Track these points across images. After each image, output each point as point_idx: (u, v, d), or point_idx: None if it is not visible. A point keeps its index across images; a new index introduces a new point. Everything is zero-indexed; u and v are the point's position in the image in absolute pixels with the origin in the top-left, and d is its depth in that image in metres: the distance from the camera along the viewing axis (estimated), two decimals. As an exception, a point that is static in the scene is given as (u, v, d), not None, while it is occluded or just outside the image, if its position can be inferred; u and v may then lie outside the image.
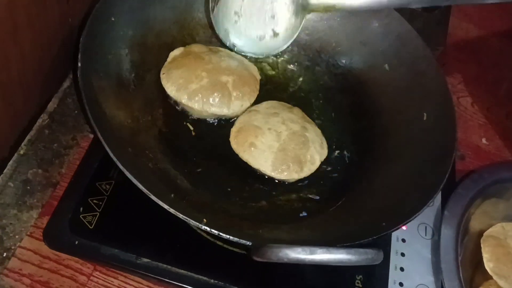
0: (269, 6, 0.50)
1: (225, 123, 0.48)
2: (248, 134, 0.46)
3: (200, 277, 0.41)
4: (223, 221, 0.39)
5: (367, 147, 0.49)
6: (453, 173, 0.52)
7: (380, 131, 0.50)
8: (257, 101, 0.50)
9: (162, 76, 0.47)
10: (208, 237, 0.43)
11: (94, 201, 0.43)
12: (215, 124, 0.48)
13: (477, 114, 0.64)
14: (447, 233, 0.46)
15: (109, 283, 0.43)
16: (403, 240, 0.48)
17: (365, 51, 0.52)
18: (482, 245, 0.49)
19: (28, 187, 0.45)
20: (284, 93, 0.53)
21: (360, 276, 0.44)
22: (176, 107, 0.48)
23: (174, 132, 0.47)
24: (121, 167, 0.35)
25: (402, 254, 0.47)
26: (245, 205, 0.44)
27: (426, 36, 0.50)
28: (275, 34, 0.50)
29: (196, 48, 0.50)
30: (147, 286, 0.43)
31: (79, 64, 0.39)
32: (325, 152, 0.47)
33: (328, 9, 0.49)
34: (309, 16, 0.53)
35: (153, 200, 0.34)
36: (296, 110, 0.50)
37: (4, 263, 0.42)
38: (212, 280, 0.41)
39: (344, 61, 0.54)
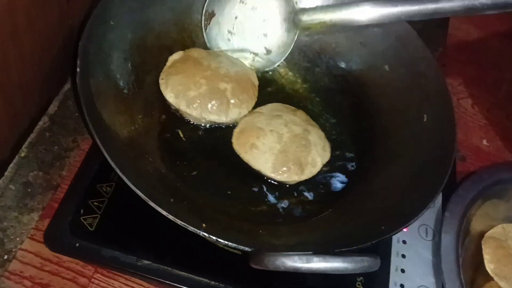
0: (261, 24, 0.51)
1: (225, 126, 0.48)
2: (250, 135, 0.46)
3: (201, 279, 0.41)
4: (222, 225, 0.39)
5: (367, 148, 0.49)
6: (454, 174, 0.52)
7: (380, 132, 0.50)
8: (257, 104, 0.50)
9: (161, 81, 0.47)
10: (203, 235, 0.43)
11: (95, 203, 0.43)
12: (216, 127, 0.49)
13: (478, 115, 0.64)
14: (448, 235, 0.46)
15: (110, 285, 0.43)
16: (404, 242, 0.48)
17: (365, 52, 0.52)
18: (483, 247, 0.49)
19: (29, 190, 0.45)
20: (284, 94, 0.53)
21: (361, 278, 0.44)
22: (176, 112, 0.48)
23: (174, 135, 0.47)
24: (119, 173, 0.35)
25: (403, 256, 0.47)
26: (245, 208, 0.44)
27: (426, 37, 0.50)
28: (268, 52, 0.51)
29: (195, 53, 0.50)
30: (148, 288, 0.43)
31: (78, 70, 0.39)
32: (327, 155, 0.47)
33: (319, 25, 0.49)
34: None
35: (152, 203, 0.34)
36: (300, 112, 0.50)
37: (5, 266, 0.42)
38: (212, 282, 0.41)
39: (344, 62, 0.54)
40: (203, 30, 0.51)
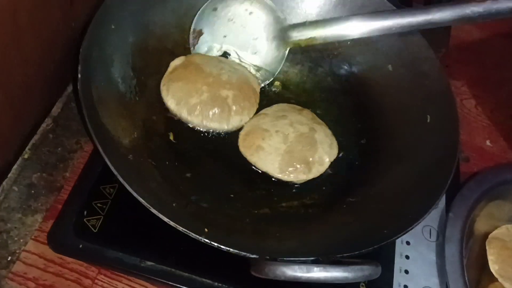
0: (251, 42, 0.51)
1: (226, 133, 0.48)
2: (256, 137, 0.46)
3: (204, 280, 0.41)
4: (224, 229, 0.39)
5: (370, 149, 0.49)
6: (457, 175, 0.52)
7: (383, 133, 0.50)
8: (262, 105, 0.50)
9: (162, 88, 0.47)
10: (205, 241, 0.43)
11: (98, 204, 0.43)
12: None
13: (481, 116, 0.63)
14: (452, 235, 0.46)
15: (114, 286, 0.43)
16: (408, 243, 0.47)
17: (368, 52, 0.52)
18: (487, 247, 0.48)
19: (33, 191, 0.45)
20: (287, 94, 0.53)
21: (365, 279, 0.44)
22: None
23: (177, 138, 0.47)
24: (121, 179, 0.35)
25: (407, 257, 0.47)
26: (248, 211, 0.43)
27: (429, 37, 0.50)
28: (259, 69, 0.51)
29: (197, 58, 0.49)
30: (151, 289, 0.43)
31: (79, 76, 0.38)
32: (334, 152, 0.47)
33: (309, 41, 0.49)
34: (311, 16, 0.54)
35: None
36: (306, 112, 0.50)
37: (9, 267, 0.42)
38: (216, 283, 0.41)
39: (347, 62, 0.54)
40: (191, 49, 0.51)
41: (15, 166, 0.46)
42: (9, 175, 0.45)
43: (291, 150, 0.45)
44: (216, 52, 0.51)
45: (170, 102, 0.46)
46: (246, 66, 0.51)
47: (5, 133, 0.43)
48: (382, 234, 0.37)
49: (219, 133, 0.48)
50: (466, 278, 0.44)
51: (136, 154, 0.41)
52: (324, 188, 0.46)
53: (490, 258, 0.48)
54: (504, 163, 0.59)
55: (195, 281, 0.41)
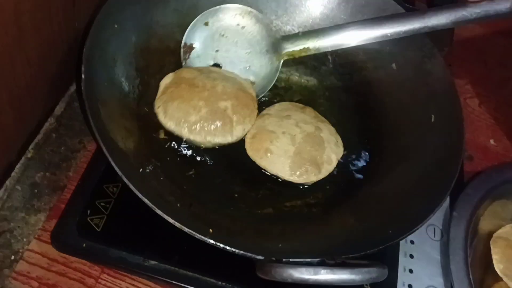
0: (244, 56, 0.51)
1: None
2: (263, 139, 0.46)
3: (208, 279, 0.41)
4: (228, 230, 0.39)
5: (373, 148, 0.49)
6: (461, 174, 0.51)
7: (386, 132, 0.50)
8: (266, 103, 0.50)
9: (157, 110, 0.45)
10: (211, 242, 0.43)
11: (102, 203, 0.43)
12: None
13: (485, 115, 0.63)
14: (456, 235, 0.46)
15: (117, 285, 0.43)
16: (412, 242, 0.47)
17: (372, 50, 0.52)
18: (491, 247, 0.48)
19: (36, 191, 0.45)
20: (290, 93, 0.53)
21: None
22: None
23: (180, 139, 0.46)
24: (125, 180, 0.35)
25: (411, 256, 0.46)
26: (251, 211, 0.43)
27: (432, 36, 0.49)
28: (252, 83, 0.50)
29: (187, 73, 0.48)
30: (155, 288, 0.43)
31: (83, 76, 0.38)
32: (341, 150, 0.47)
33: (303, 52, 0.49)
34: (315, 15, 0.53)
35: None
36: (309, 110, 0.49)
37: (12, 266, 0.42)
38: (220, 282, 0.41)
39: (350, 61, 0.54)
40: (182, 63, 0.50)
41: (18, 165, 0.46)
42: (12, 174, 0.45)
43: (300, 152, 0.45)
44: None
45: (169, 124, 0.45)
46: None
47: (9, 132, 0.43)
48: (386, 234, 0.37)
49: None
50: (471, 277, 0.44)
51: (139, 153, 0.41)
52: (327, 187, 0.46)
53: (495, 257, 0.47)
54: (508, 161, 0.59)
55: (198, 280, 0.41)
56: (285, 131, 0.46)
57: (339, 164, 0.47)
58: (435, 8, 0.45)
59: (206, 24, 0.50)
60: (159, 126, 0.46)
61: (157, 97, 0.46)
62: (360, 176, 0.47)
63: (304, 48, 0.49)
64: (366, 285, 0.44)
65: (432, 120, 0.47)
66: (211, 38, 0.50)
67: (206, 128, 0.45)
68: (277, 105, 0.50)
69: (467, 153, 0.58)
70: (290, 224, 0.43)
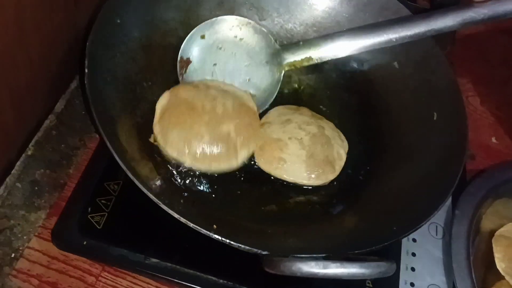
0: (243, 69, 0.49)
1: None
2: (273, 149, 0.45)
3: (209, 277, 0.41)
4: (231, 226, 0.39)
5: (375, 147, 0.49)
6: (464, 172, 0.51)
7: (388, 131, 0.49)
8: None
9: (157, 136, 0.43)
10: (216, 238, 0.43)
11: (102, 201, 0.43)
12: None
13: (487, 113, 0.63)
14: (458, 233, 0.46)
15: (118, 283, 0.42)
16: (414, 240, 0.47)
17: (373, 48, 0.52)
18: (493, 245, 0.48)
19: (36, 188, 0.45)
20: (291, 92, 0.53)
21: (371, 276, 0.44)
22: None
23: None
24: (131, 176, 0.35)
25: (413, 254, 0.46)
26: (255, 209, 0.43)
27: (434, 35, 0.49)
28: (252, 96, 0.49)
29: (183, 92, 0.45)
30: (156, 286, 0.43)
31: (86, 70, 0.38)
32: (346, 144, 0.47)
33: (305, 61, 0.48)
34: (317, 12, 0.53)
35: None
36: (304, 110, 0.49)
37: (13, 264, 0.41)
38: (221, 280, 0.41)
39: (352, 59, 0.53)
40: (179, 78, 0.48)
41: (18, 163, 0.45)
42: (13, 171, 0.45)
43: (312, 154, 0.45)
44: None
45: (171, 152, 0.43)
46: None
47: (9, 130, 0.42)
48: (391, 231, 0.37)
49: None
50: (473, 276, 0.44)
51: (142, 149, 0.41)
52: (331, 185, 0.46)
53: (497, 256, 0.47)
54: (510, 160, 0.59)
55: (200, 278, 0.41)
56: (291, 136, 0.46)
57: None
58: (440, 10, 0.44)
59: (203, 37, 0.48)
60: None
61: (155, 121, 0.44)
62: (362, 174, 0.47)
63: (306, 57, 0.48)
64: (368, 283, 0.44)
65: (435, 118, 0.46)
66: (208, 51, 0.49)
67: (209, 156, 0.43)
68: (272, 111, 0.49)
69: (469, 152, 0.58)
70: (293, 221, 0.43)
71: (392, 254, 0.46)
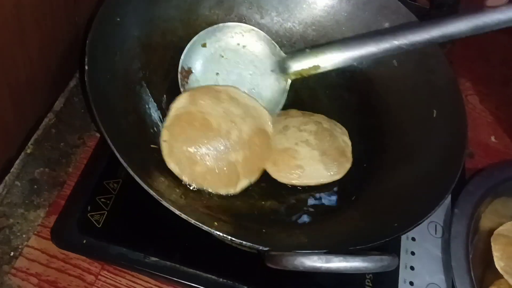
0: (247, 79, 0.47)
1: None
2: (287, 160, 0.45)
3: (209, 276, 0.41)
4: (233, 224, 0.39)
5: (375, 146, 0.49)
6: (463, 171, 0.51)
7: (388, 129, 0.49)
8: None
9: (162, 144, 0.42)
10: (217, 236, 0.43)
11: (102, 200, 0.43)
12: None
13: (486, 112, 0.63)
14: (457, 232, 0.46)
15: (117, 282, 0.42)
16: (413, 239, 0.47)
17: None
18: (492, 244, 0.48)
19: (35, 186, 0.45)
20: (291, 92, 0.52)
21: (370, 275, 0.44)
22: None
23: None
24: (132, 173, 0.34)
25: (412, 253, 0.46)
26: (255, 205, 0.43)
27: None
28: None
29: (202, 99, 0.43)
30: (155, 285, 0.43)
31: (86, 68, 0.38)
32: (345, 130, 0.48)
33: (311, 70, 0.46)
34: (316, 11, 0.53)
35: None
36: (292, 111, 0.49)
37: (12, 263, 0.41)
38: (221, 279, 0.41)
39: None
40: (181, 89, 0.46)
41: (17, 161, 0.45)
42: (12, 170, 0.45)
43: (324, 151, 0.45)
44: None
45: (172, 166, 0.42)
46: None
47: (9, 128, 0.42)
48: (391, 228, 0.37)
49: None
50: (472, 274, 0.44)
51: (142, 146, 0.41)
52: (331, 183, 0.46)
53: (495, 254, 0.48)
54: (509, 159, 0.59)
55: (199, 277, 0.41)
56: (296, 141, 0.46)
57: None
58: (452, 16, 0.42)
59: (204, 45, 0.47)
60: (162, 120, 0.46)
61: (166, 124, 0.43)
62: (363, 173, 0.47)
63: (313, 66, 0.46)
64: (368, 281, 0.44)
65: (434, 115, 0.46)
66: (210, 60, 0.47)
67: (209, 181, 0.42)
68: None
69: (468, 151, 0.58)
70: (294, 218, 0.43)
71: (391, 252, 0.45)
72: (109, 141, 0.35)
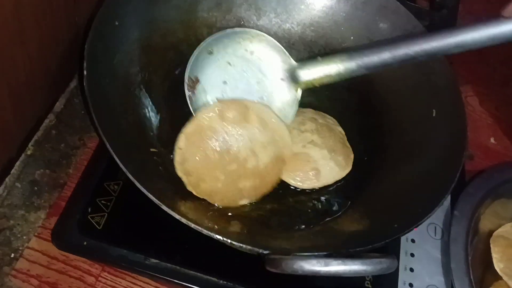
0: (256, 87, 0.45)
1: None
2: (301, 166, 0.45)
3: (209, 277, 0.41)
4: (233, 225, 0.39)
5: (375, 147, 0.49)
6: (463, 172, 0.51)
7: (388, 130, 0.49)
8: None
9: (177, 150, 0.41)
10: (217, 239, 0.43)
11: (102, 201, 0.43)
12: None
13: (485, 114, 0.63)
14: (457, 233, 0.46)
15: (118, 284, 0.42)
16: (413, 241, 0.47)
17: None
18: (491, 246, 0.48)
19: (36, 188, 0.45)
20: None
21: (370, 277, 0.44)
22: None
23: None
24: (130, 177, 0.34)
25: (412, 255, 0.47)
26: (256, 207, 0.43)
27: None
28: None
29: (231, 115, 0.42)
30: (156, 287, 0.43)
31: (85, 72, 0.38)
32: (334, 119, 0.49)
33: (324, 79, 0.44)
34: (314, 12, 0.53)
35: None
36: None
37: (12, 264, 0.41)
38: (221, 281, 0.41)
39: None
40: (188, 100, 0.44)
41: (18, 163, 0.45)
42: (12, 171, 0.45)
43: (331, 148, 0.46)
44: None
45: (180, 173, 0.41)
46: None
47: (9, 129, 0.42)
48: (390, 229, 0.37)
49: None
50: (471, 276, 0.44)
51: (142, 149, 0.41)
52: (330, 186, 0.46)
53: (495, 256, 0.48)
54: (509, 161, 0.59)
55: (200, 278, 0.41)
56: (303, 144, 0.46)
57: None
58: (467, 25, 0.40)
59: (210, 52, 0.45)
60: (162, 122, 0.46)
61: (186, 130, 0.42)
62: (363, 174, 0.47)
63: (325, 75, 0.43)
64: (368, 283, 0.44)
65: (434, 115, 0.46)
66: (217, 68, 0.45)
67: (212, 196, 0.42)
68: None
69: (468, 152, 0.58)
70: (295, 219, 0.43)
71: (390, 254, 0.46)
72: (107, 145, 0.35)
